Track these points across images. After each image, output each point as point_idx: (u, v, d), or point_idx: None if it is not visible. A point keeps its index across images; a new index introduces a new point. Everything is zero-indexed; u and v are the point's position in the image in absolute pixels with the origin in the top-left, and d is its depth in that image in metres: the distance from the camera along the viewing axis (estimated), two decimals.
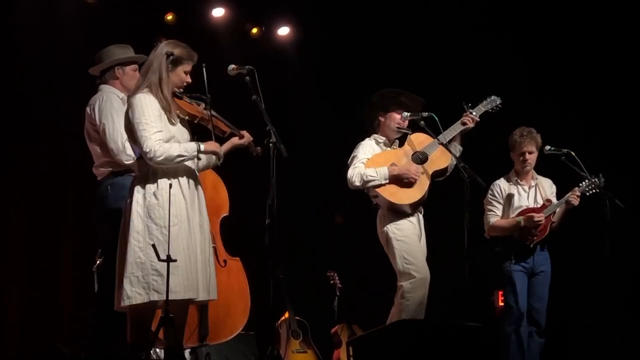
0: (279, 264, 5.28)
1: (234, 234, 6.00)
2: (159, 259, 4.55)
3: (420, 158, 6.00)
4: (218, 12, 8.17)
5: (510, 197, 6.41)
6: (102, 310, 4.95)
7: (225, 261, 5.76)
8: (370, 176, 5.89)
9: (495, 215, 6.42)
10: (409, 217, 5.96)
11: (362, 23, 8.28)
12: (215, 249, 5.69)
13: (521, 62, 8.05)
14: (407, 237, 5.92)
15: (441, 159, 6.02)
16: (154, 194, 4.69)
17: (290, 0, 8.33)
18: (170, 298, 4.62)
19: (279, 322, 7.45)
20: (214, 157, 4.95)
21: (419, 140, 6.08)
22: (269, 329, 5.95)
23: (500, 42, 8.08)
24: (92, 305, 5.25)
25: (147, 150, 4.64)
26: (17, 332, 7.26)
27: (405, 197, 5.91)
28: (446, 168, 6.05)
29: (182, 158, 4.71)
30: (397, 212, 5.94)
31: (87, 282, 5.71)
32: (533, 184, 6.45)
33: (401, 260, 5.87)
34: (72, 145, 5.90)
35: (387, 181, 5.89)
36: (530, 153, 6.37)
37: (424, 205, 6.07)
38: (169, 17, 7.92)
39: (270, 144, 5.11)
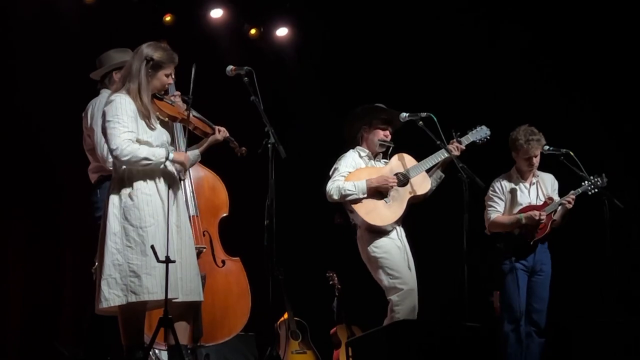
0: (278, 265, 5.27)
1: (234, 235, 6.00)
2: (158, 260, 4.55)
3: (402, 180, 6.01)
4: (216, 13, 8.17)
5: (512, 194, 6.41)
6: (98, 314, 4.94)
7: (223, 261, 5.76)
8: (349, 190, 5.89)
9: (496, 211, 6.42)
10: (387, 234, 5.97)
11: (361, 23, 8.29)
12: (212, 249, 5.70)
13: (526, 62, 8.06)
14: (388, 252, 5.92)
15: (422, 185, 6.04)
16: (129, 195, 4.68)
17: (288, 1, 8.33)
18: (147, 299, 4.62)
19: (279, 322, 7.46)
20: (195, 155, 4.97)
21: (403, 161, 6.09)
22: (269, 329, 5.95)
23: (500, 42, 8.09)
24: (92, 307, 5.24)
25: (114, 148, 4.61)
26: (18, 334, 7.26)
27: (379, 218, 5.91)
28: (425, 194, 6.06)
29: (148, 162, 4.65)
30: (375, 231, 5.95)
31: (88, 284, 5.70)
32: (534, 181, 6.45)
33: (386, 276, 5.89)
34: (72, 146, 5.90)
35: (365, 195, 5.89)
36: (536, 156, 6.38)
37: (420, 208, 6.08)
38: (168, 18, 7.93)
39: (269, 145, 5.11)
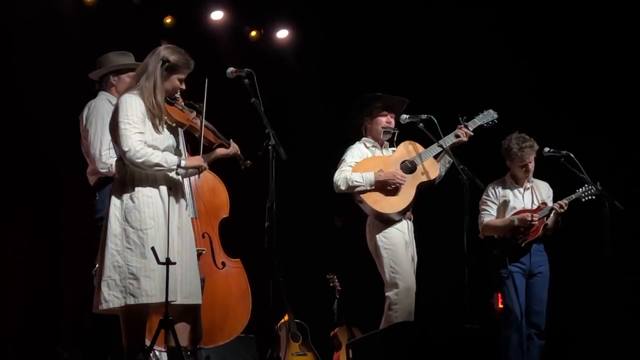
0: (278, 267, 5.27)
1: (235, 236, 6.00)
2: (158, 262, 4.54)
3: (409, 167, 6.02)
4: (217, 15, 8.17)
5: (505, 200, 6.43)
6: (101, 314, 4.94)
7: (223, 263, 5.76)
8: (356, 181, 5.91)
9: (489, 215, 6.45)
10: (396, 224, 5.97)
11: (361, 25, 8.29)
12: (212, 251, 5.70)
13: (521, 66, 8.05)
14: (394, 245, 5.94)
15: (430, 170, 6.04)
16: (131, 197, 4.67)
17: (289, 3, 8.33)
18: (146, 302, 4.61)
19: (279, 324, 7.45)
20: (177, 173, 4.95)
21: (410, 148, 6.10)
22: (269, 331, 5.94)
23: (499, 43, 8.09)
24: (91, 309, 5.24)
25: (127, 150, 4.59)
26: (18, 334, 7.26)
27: (388, 205, 5.92)
28: (434, 180, 6.06)
29: (160, 168, 4.65)
30: (384, 220, 5.96)
31: (88, 285, 5.70)
32: (528, 186, 6.48)
33: (388, 269, 5.91)
34: (72, 147, 5.90)
35: (373, 187, 5.91)
36: (531, 162, 6.40)
37: (420, 209, 6.08)
38: (168, 20, 7.94)
39: (270, 147, 5.11)
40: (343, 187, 5.94)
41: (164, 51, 4.76)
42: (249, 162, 5.08)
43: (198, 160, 4.81)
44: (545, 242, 6.44)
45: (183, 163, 4.71)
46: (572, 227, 6.56)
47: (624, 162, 7.68)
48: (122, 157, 4.66)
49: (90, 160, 5.38)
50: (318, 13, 8.26)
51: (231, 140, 5.00)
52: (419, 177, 5.99)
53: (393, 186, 5.91)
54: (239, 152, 5.03)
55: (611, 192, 6.34)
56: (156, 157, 4.64)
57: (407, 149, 6.10)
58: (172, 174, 4.74)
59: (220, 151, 4.97)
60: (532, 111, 7.70)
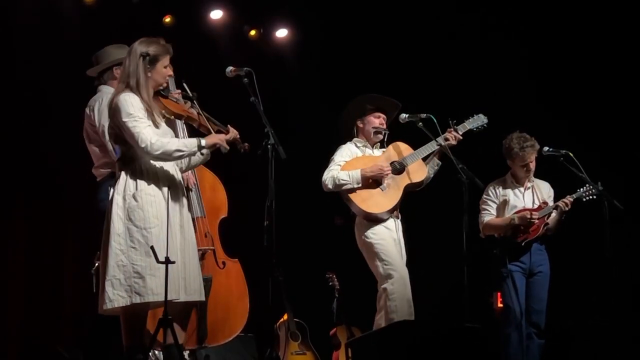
0: (278, 266, 5.27)
1: (233, 236, 6.00)
2: (158, 261, 4.54)
3: (398, 168, 6.05)
4: (216, 15, 8.18)
5: (506, 199, 6.43)
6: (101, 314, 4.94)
7: (224, 262, 5.76)
8: (343, 180, 5.95)
9: (489, 214, 6.46)
10: (384, 222, 6.01)
11: (360, 24, 8.29)
12: (213, 250, 5.70)
13: (521, 66, 8.05)
14: (384, 239, 5.98)
15: (418, 172, 6.07)
16: (134, 196, 4.66)
17: (288, 3, 8.33)
18: (152, 300, 4.61)
19: (278, 324, 7.45)
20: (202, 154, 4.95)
21: (400, 149, 6.13)
22: (268, 330, 5.94)
23: (499, 43, 8.09)
24: (92, 308, 5.24)
25: (143, 145, 4.58)
26: (18, 334, 7.26)
27: (375, 205, 5.96)
28: (421, 182, 6.09)
29: (181, 153, 4.67)
30: (372, 220, 6.00)
31: (88, 285, 5.71)
32: (529, 185, 6.48)
33: (381, 262, 5.94)
34: (72, 145, 5.91)
35: (360, 185, 5.94)
36: (532, 162, 6.41)
37: (419, 209, 6.09)
38: (167, 19, 7.95)
39: (269, 146, 5.11)
40: (330, 186, 5.99)
41: (140, 46, 4.76)
42: (247, 144, 5.02)
43: (216, 137, 4.79)
44: (546, 241, 6.44)
45: (203, 142, 4.71)
46: (572, 227, 6.56)
47: (624, 162, 7.67)
48: (141, 153, 4.64)
49: (105, 154, 5.36)
50: (318, 13, 8.26)
51: (229, 126, 4.97)
52: (406, 179, 6.03)
53: (380, 179, 5.95)
54: (238, 137, 5.01)
55: (611, 192, 6.34)
56: (173, 144, 4.65)
57: (396, 150, 6.14)
58: (179, 165, 4.71)
59: (221, 136, 4.97)
60: (532, 111, 7.69)
